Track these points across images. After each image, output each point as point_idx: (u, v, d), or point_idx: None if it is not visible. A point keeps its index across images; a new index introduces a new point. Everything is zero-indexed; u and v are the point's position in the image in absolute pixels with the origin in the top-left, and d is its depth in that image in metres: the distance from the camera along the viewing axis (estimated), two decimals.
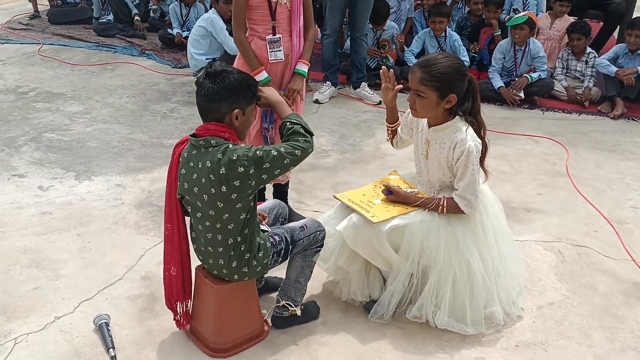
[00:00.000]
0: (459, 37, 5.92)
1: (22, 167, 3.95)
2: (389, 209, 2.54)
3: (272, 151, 2.10)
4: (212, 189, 2.13)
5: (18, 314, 2.60)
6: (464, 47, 5.83)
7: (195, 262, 2.44)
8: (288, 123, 2.23)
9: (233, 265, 2.28)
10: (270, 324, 2.57)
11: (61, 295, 2.73)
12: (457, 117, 2.44)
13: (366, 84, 5.48)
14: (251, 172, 2.08)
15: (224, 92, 2.11)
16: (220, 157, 2.09)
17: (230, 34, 5.07)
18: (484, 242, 2.57)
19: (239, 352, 2.43)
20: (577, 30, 5.50)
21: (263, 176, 2.11)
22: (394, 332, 2.58)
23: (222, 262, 2.28)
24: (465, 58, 5.75)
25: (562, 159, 4.44)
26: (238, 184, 2.10)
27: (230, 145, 2.12)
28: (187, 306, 2.46)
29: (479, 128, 2.45)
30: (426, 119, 2.53)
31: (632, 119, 5.28)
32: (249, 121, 2.22)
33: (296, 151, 2.13)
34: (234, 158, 2.07)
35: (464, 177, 2.42)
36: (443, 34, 5.82)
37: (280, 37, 2.89)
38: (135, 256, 3.04)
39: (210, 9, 5.33)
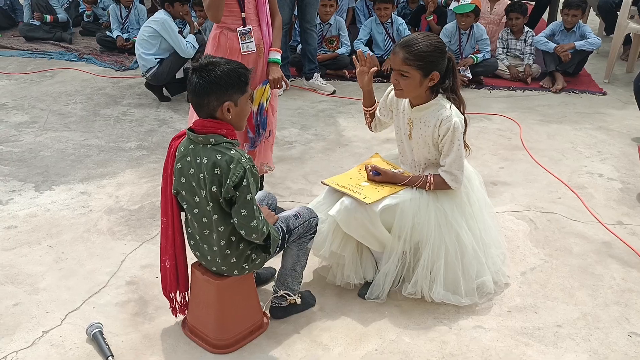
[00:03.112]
0: (403, 21, 6.03)
1: None
2: (378, 190, 2.57)
3: (249, 197, 2.07)
4: (206, 187, 2.10)
5: (2, 332, 2.47)
6: (408, 32, 5.94)
7: (190, 256, 2.39)
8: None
9: (232, 261, 2.25)
10: (269, 315, 2.56)
11: (44, 308, 2.61)
12: (439, 95, 2.50)
13: (318, 74, 5.50)
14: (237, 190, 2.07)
15: (211, 86, 2.06)
16: (219, 157, 2.06)
17: (185, 37, 4.98)
18: (471, 214, 2.64)
19: (242, 346, 2.40)
20: (515, 10, 5.74)
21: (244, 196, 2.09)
22: (391, 311, 2.62)
23: (220, 260, 2.25)
24: None
25: (515, 133, 4.62)
26: (224, 190, 2.08)
27: (230, 146, 2.09)
28: (183, 297, 2.44)
29: (459, 104, 2.52)
30: (407, 99, 2.57)
31: (573, 92, 5.56)
32: (245, 111, 2.18)
33: (252, 222, 2.10)
34: (231, 166, 2.04)
35: (450, 153, 2.48)
36: (389, 20, 5.91)
37: (250, 28, 2.86)
38: (115, 262, 2.94)
39: (158, 10, 5.17)
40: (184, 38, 5.05)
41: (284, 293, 2.51)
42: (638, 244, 3.12)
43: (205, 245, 2.26)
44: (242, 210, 2.08)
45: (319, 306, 2.65)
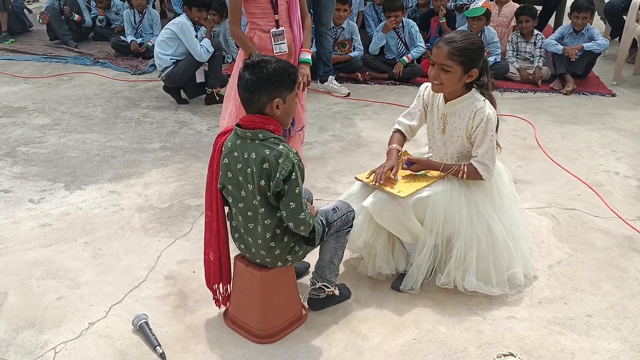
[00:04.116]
0: (415, 24, 6.12)
1: (5, 182, 3.80)
2: (411, 184, 2.65)
3: (297, 190, 2.16)
4: (254, 181, 2.17)
5: (49, 324, 2.53)
6: (419, 34, 6.04)
7: (233, 248, 2.46)
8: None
9: (276, 253, 2.32)
10: (307, 307, 2.63)
11: (88, 302, 2.68)
12: (472, 89, 2.58)
13: (333, 77, 5.59)
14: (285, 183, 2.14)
15: (262, 83, 2.14)
16: (267, 152, 2.13)
17: (200, 40, 5.06)
18: (502, 207, 2.72)
19: (284, 337, 2.47)
20: (525, 13, 5.84)
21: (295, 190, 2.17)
22: (425, 302, 2.69)
23: (264, 253, 2.32)
24: (421, 44, 5.97)
25: (530, 133, 4.71)
26: (273, 184, 2.15)
27: (277, 141, 2.17)
28: (226, 289, 2.51)
29: (491, 102, 2.60)
30: (442, 95, 2.65)
31: (583, 94, 5.66)
32: (292, 108, 2.26)
33: (301, 215, 2.19)
34: (280, 161, 2.12)
35: (483, 144, 2.56)
36: (400, 24, 6.00)
37: (283, 30, 2.95)
38: (152, 258, 3.01)
39: (178, 15, 5.26)
40: (200, 42, 5.14)
41: (322, 285, 2.59)
42: None
43: (249, 238, 2.34)
44: (291, 204, 2.16)
45: (354, 298, 2.72)
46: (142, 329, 2.45)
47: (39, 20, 7.06)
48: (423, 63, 6.02)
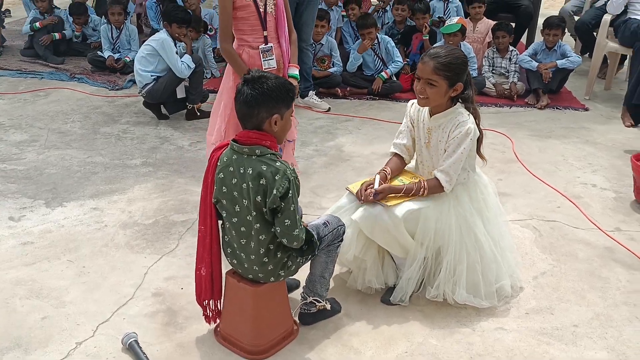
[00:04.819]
0: (390, 39, 6.20)
1: None
2: (397, 196, 2.67)
3: (292, 207, 2.18)
4: (250, 196, 2.18)
5: (35, 345, 2.48)
6: (397, 50, 6.12)
7: (224, 264, 2.45)
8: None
9: (269, 268, 2.32)
10: (299, 322, 2.62)
11: (74, 321, 2.63)
12: (457, 104, 2.63)
13: (313, 92, 5.62)
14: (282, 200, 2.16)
15: (262, 98, 2.15)
16: (264, 168, 2.14)
17: (181, 56, 5.05)
18: (489, 218, 2.77)
19: (276, 352, 2.46)
20: (502, 28, 5.98)
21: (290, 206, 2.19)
22: (415, 315, 2.71)
23: (257, 268, 2.32)
24: (398, 59, 6.04)
25: (508, 147, 4.80)
26: (269, 201, 2.16)
27: (274, 157, 2.18)
28: (217, 306, 2.49)
29: (475, 116, 2.65)
30: (427, 109, 2.70)
31: (557, 108, 5.79)
32: (288, 125, 2.28)
33: (295, 231, 2.21)
34: (276, 178, 2.13)
35: (454, 155, 2.58)
36: (376, 41, 6.08)
37: (272, 46, 2.96)
38: (138, 275, 2.97)
39: (155, 30, 5.24)
40: (180, 58, 5.12)
41: (314, 299, 2.59)
42: (638, 248, 3.29)
43: (242, 254, 2.33)
44: (287, 220, 2.17)
45: (345, 312, 2.73)
46: (132, 348, 2.42)
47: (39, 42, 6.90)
48: (401, 79, 6.10)
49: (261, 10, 2.92)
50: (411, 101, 2.85)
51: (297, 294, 2.74)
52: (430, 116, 2.70)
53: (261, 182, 2.14)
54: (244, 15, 2.92)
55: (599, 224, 3.55)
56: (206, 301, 2.48)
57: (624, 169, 4.32)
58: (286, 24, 3.05)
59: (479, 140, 2.70)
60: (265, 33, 2.94)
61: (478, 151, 2.73)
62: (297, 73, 3.08)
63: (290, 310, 2.56)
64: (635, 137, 5.00)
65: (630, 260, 3.19)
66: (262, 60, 2.95)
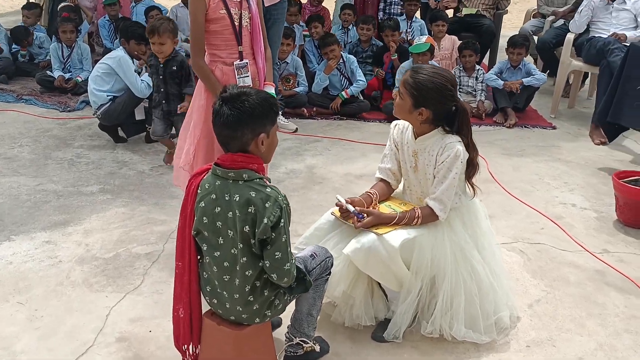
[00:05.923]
0: (355, 59, 6.06)
1: None
2: (389, 224, 2.47)
3: (284, 238, 2.00)
4: (236, 226, 1.93)
5: None
6: (360, 69, 5.98)
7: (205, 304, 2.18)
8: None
9: (254, 308, 2.08)
10: None
11: None
12: (440, 127, 2.46)
13: (280, 112, 5.40)
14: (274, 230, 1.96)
15: (245, 117, 1.92)
16: (254, 195, 1.91)
17: (140, 74, 4.76)
18: (483, 245, 2.61)
19: None
20: (469, 47, 5.93)
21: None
22: (410, 353, 2.50)
23: (240, 308, 2.07)
24: (361, 78, 5.87)
25: (482, 166, 4.65)
26: (259, 231, 1.94)
27: (263, 182, 1.96)
28: (197, 349, 2.22)
29: (470, 148, 2.48)
30: (410, 129, 2.53)
31: (525, 127, 5.75)
32: (274, 143, 2.06)
33: (286, 265, 2.01)
34: (267, 205, 1.91)
35: (445, 181, 2.42)
36: (341, 60, 5.92)
37: (247, 62, 2.74)
38: (99, 317, 2.66)
39: (107, 49, 4.93)
40: (140, 76, 4.84)
41: (300, 340, 2.34)
42: (629, 270, 3.17)
43: (224, 292, 2.07)
44: (277, 253, 1.93)
45: (333, 351, 2.49)
46: None
47: None
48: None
49: (236, 23, 2.69)
50: (394, 122, 2.69)
51: (280, 334, 2.49)
52: (415, 138, 2.52)
53: (250, 210, 1.90)
54: (218, 29, 2.68)
55: (586, 245, 3.43)
56: (185, 346, 2.20)
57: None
58: (262, 39, 2.83)
59: (472, 173, 2.54)
60: (240, 48, 2.71)
61: (469, 180, 2.57)
62: (274, 92, 2.86)
63: (275, 354, 2.30)
64: (605, 155, 4.97)
65: (623, 284, 3.06)
66: (236, 77, 2.72)
